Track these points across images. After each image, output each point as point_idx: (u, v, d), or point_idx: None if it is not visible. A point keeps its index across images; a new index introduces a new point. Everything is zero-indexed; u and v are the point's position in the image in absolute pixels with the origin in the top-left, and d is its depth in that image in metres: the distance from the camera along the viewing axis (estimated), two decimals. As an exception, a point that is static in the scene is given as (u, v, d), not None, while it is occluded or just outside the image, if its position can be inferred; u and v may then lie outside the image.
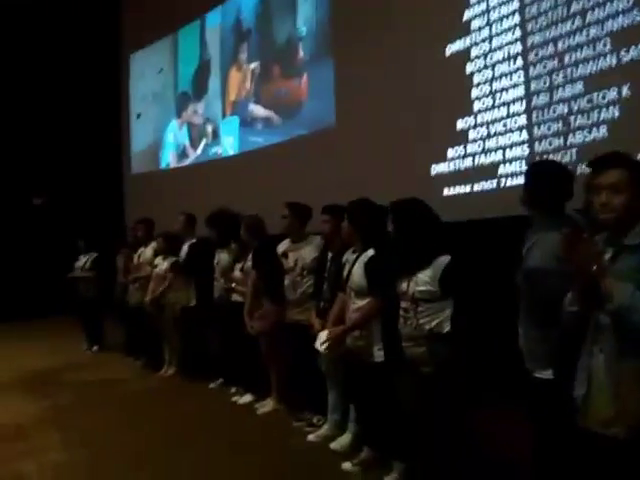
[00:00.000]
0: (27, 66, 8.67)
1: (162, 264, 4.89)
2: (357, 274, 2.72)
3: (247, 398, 3.99)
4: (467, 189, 4.06)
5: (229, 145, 7.12)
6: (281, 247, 3.61)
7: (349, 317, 2.78)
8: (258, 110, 6.63)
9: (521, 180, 2.44)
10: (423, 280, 2.31)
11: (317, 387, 3.28)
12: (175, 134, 8.33)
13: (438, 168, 4.29)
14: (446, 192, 4.20)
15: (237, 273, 3.99)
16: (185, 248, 4.84)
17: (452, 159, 4.18)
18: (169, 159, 8.45)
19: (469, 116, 4.05)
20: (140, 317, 5.23)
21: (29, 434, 3.52)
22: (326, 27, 5.62)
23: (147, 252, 5.39)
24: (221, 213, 4.27)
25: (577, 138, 3.38)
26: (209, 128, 7.53)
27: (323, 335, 2.81)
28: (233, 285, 4.03)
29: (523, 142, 3.71)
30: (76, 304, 6.37)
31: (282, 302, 3.55)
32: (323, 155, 5.54)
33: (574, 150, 3.40)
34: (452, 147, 4.17)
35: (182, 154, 8.13)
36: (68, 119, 9.01)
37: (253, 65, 6.74)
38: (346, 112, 5.29)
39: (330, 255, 3.26)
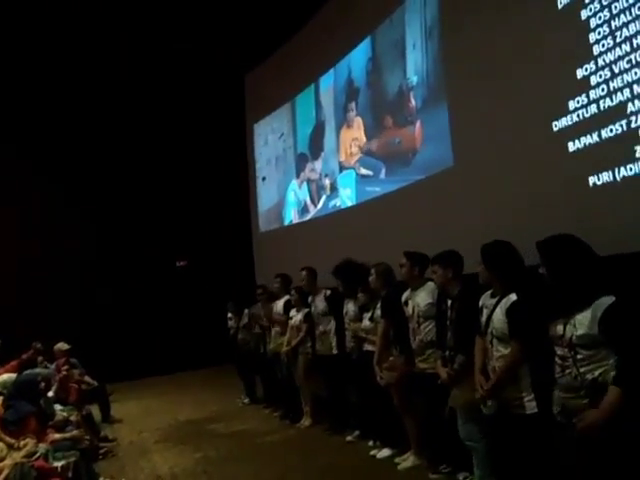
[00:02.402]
0: (169, 141, 9.83)
1: (296, 315, 5.07)
2: (498, 319, 2.59)
3: (386, 452, 3.89)
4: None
5: (347, 197, 7.34)
6: (403, 296, 3.59)
7: (492, 366, 2.63)
8: (372, 161, 6.80)
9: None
10: (582, 323, 2.07)
11: (456, 439, 3.10)
12: (296, 192, 8.82)
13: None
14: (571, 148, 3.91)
15: (366, 322, 4.00)
16: (318, 300, 4.95)
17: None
18: (292, 216, 8.92)
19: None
20: (275, 368, 5.43)
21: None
22: (437, 73, 5.68)
23: (279, 304, 5.64)
24: (347, 264, 4.35)
25: None
26: (327, 183, 7.86)
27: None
28: (363, 334, 4.04)
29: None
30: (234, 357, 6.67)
31: (410, 351, 3.49)
32: (442, 198, 5.48)
33: None
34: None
35: (303, 210, 8.54)
36: (203, 187, 10.03)
37: (365, 119, 6.98)
38: (464, 153, 5.23)
39: (450, 302, 3.16)
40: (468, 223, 4.97)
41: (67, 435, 3.90)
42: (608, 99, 3.70)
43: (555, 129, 4.09)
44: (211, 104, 9.91)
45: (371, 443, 4.12)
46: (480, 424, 2.84)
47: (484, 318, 2.70)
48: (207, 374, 8.46)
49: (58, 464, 3.45)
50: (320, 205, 8.05)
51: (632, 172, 3.50)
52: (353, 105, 7.26)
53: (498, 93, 4.74)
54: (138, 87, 9.36)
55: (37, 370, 4.44)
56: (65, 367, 5.34)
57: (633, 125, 3.50)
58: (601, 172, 3.72)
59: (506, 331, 2.54)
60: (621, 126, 3.58)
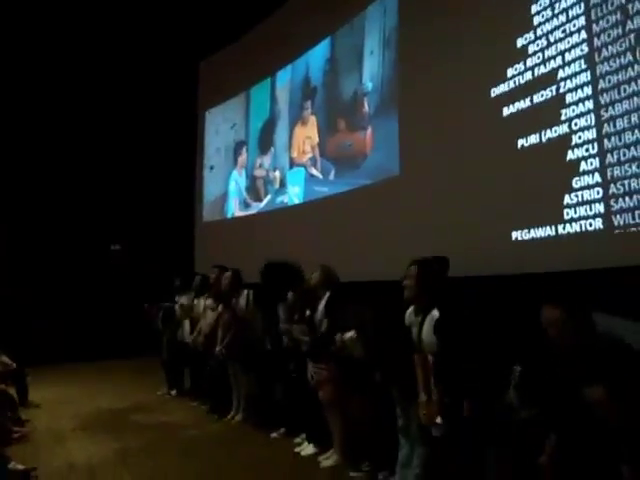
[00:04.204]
0: (111, 122, 9.48)
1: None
2: (427, 335, 2.69)
3: (310, 449, 3.92)
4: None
5: (294, 194, 7.35)
6: None
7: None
8: (323, 161, 6.85)
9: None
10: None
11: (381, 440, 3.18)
12: (237, 182, 8.74)
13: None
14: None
15: (295, 326, 4.02)
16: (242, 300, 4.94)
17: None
18: (233, 207, 8.83)
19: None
20: (204, 361, 5.36)
21: (98, 477, 3.63)
22: (391, 82, 5.81)
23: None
24: (270, 267, 4.35)
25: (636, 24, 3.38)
26: (276, 178, 7.84)
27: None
28: (299, 336, 4.04)
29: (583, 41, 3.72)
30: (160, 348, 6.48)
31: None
32: (387, 204, 5.61)
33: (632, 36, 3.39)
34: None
35: (245, 202, 8.48)
36: (147, 171, 9.71)
37: (319, 119, 7.03)
38: (410, 162, 5.38)
39: None
40: (409, 232, 5.12)
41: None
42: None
43: (518, 147, 4.27)
44: (163, 88, 9.61)
45: (298, 440, 4.14)
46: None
47: (414, 336, 2.77)
48: (134, 364, 8.19)
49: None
50: (266, 200, 8.02)
51: (556, 134, 3.83)
52: (309, 104, 7.28)
53: (447, 107, 4.92)
54: (89, 67, 8.96)
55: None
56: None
57: (562, 90, 3.83)
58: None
59: (435, 347, 2.63)
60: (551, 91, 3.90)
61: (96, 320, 8.74)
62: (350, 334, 3.29)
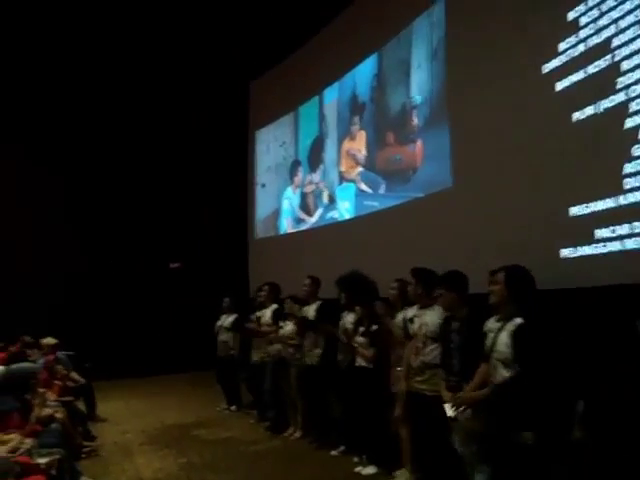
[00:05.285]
0: (171, 144, 9.84)
1: (287, 325, 5.08)
2: (502, 343, 2.59)
3: (371, 470, 3.88)
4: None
5: (345, 209, 7.39)
6: (410, 312, 3.59)
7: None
8: (372, 176, 6.87)
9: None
10: None
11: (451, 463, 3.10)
12: (290, 200, 8.88)
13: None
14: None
15: (359, 338, 4.01)
16: (312, 310, 4.96)
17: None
18: (286, 225, 8.96)
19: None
20: (263, 377, 5.44)
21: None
22: (440, 94, 5.77)
23: (267, 314, 5.59)
24: (353, 275, 4.34)
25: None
26: (325, 194, 7.92)
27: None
28: (358, 348, 4.04)
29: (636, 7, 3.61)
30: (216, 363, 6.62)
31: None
32: (440, 217, 5.55)
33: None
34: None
35: (298, 219, 8.59)
36: (203, 191, 10.03)
37: (367, 134, 7.06)
38: (463, 174, 5.30)
39: (457, 325, 3.11)
40: (465, 243, 5.03)
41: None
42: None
43: (562, 151, 4.16)
44: (215, 109, 9.97)
45: (356, 459, 4.10)
46: (481, 449, 2.81)
47: (489, 342, 2.70)
48: (194, 378, 8.43)
49: (42, 461, 3.42)
50: (317, 216, 8.10)
51: (613, 103, 3.73)
52: (357, 119, 7.34)
53: (500, 117, 4.83)
54: (143, 89, 9.38)
55: (28, 364, 4.41)
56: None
57: (616, 59, 3.72)
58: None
59: (510, 355, 2.55)
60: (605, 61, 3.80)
61: (156, 336, 9.04)
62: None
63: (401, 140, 6.41)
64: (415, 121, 6.18)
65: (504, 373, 2.57)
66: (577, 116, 4.05)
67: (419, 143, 6.07)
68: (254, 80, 10.19)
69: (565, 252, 4.05)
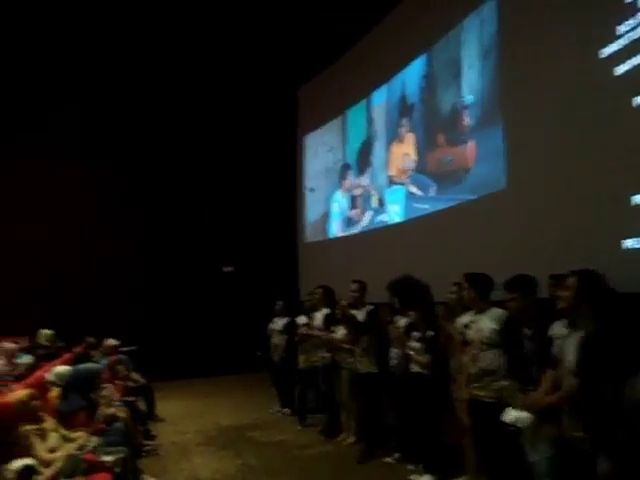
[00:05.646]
0: (222, 151, 10.07)
1: (339, 329, 5.07)
2: (571, 351, 2.50)
3: (427, 479, 3.81)
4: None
5: (395, 213, 7.33)
6: (466, 318, 3.51)
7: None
8: (423, 178, 6.78)
9: None
10: None
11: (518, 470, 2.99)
12: (339, 204, 8.89)
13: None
14: None
15: (414, 343, 3.95)
16: (360, 315, 4.94)
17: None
18: (335, 228, 8.98)
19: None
20: (315, 381, 5.46)
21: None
22: (493, 94, 5.63)
23: (318, 317, 5.58)
24: (405, 279, 4.29)
25: None
26: (374, 197, 7.88)
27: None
28: (411, 353, 3.99)
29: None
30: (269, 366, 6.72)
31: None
32: (494, 219, 5.41)
33: None
34: None
35: (347, 223, 8.59)
36: (253, 196, 10.21)
37: (417, 136, 6.98)
38: (518, 175, 5.15)
39: (529, 331, 2.95)
40: (522, 244, 4.89)
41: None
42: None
43: (623, 137, 3.98)
44: (265, 115, 10.14)
45: (411, 467, 4.04)
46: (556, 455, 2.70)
47: (557, 349, 2.61)
48: (247, 379, 8.58)
49: (107, 459, 3.56)
50: (366, 220, 8.07)
51: None
52: (405, 121, 7.27)
53: (556, 109, 4.66)
54: (195, 96, 9.66)
55: (93, 365, 4.61)
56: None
57: None
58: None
59: (574, 365, 2.45)
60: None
61: (210, 338, 9.26)
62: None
63: (452, 141, 6.30)
64: (467, 121, 6.06)
65: (573, 381, 2.47)
66: (638, 101, 3.86)
67: (471, 144, 5.95)
68: (302, 86, 10.30)
69: (628, 243, 3.86)
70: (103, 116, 9.12)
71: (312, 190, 9.86)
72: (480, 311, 3.41)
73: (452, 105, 6.33)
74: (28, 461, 3.11)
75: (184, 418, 6.22)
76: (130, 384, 5.72)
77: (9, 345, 5.56)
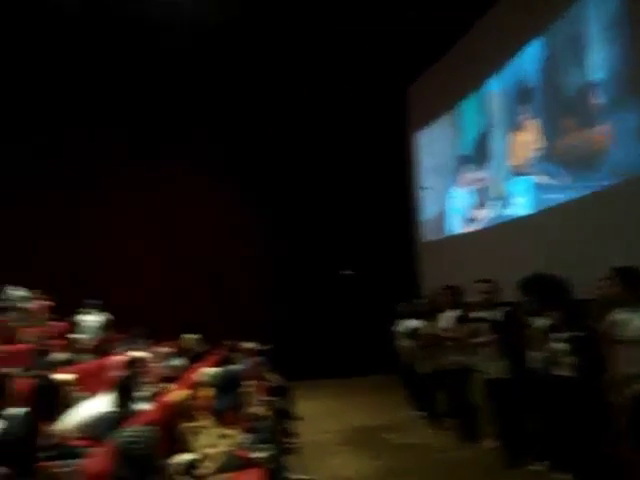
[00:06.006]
0: (334, 154, 10.23)
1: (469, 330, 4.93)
2: None
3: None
4: None
5: (521, 205, 6.95)
6: (618, 315, 3.25)
7: None
8: (550, 166, 6.36)
9: None
10: None
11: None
12: (458, 199, 8.63)
13: None
14: None
15: (558, 345, 3.73)
16: (495, 314, 4.75)
17: None
18: (455, 225, 8.74)
19: None
20: (446, 384, 5.37)
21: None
22: (627, 68, 5.13)
23: (446, 318, 5.44)
24: (539, 277, 4.07)
25: None
26: (495, 191, 7.55)
27: None
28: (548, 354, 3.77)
29: None
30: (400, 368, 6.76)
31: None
32: (635, 205, 4.92)
33: None
34: None
35: (468, 219, 8.31)
36: (367, 198, 10.28)
37: (540, 122, 6.57)
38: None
39: None
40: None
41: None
42: None
43: None
44: (372, 117, 10.18)
45: (561, 476, 3.80)
46: None
47: None
48: (376, 381, 8.66)
49: (259, 455, 3.82)
50: (487, 214, 7.76)
51: None
52: (525, 108, 6.89)
53: None
54: (306, 102, 9.92)
55: (237, 366, 4.99)
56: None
57: None
58: None
59: None
60: None
61: (338, 339, 9.50)
62: None
63: (582, 124, 5.84)
64: (598, 102, 5.58)
65: None
66: None
67: (605, 126, 5.47)
68: (412, 83, 10.18)
69: None
70: (237, 127, 9.90)
71: (427, 188, 9.70)
72: (631, 307, 3.15)
73: (578, 86, 5.87)
74: (191, 456, 3.45)
75: (322, 418, 6.43)
76: (270, 384, 6.06)
77: (163, 349, 6.22)
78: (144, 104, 9.47)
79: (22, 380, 3.35)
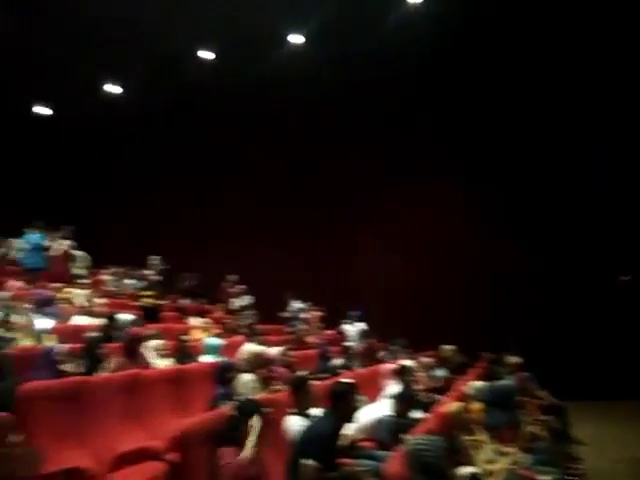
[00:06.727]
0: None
1: None
2: None
3: None
4: None
5: None
6: None
7: None
8: None
9: None
10: None
11: None
12: None
13: None
14: None
15: None
16: None
17: None
18: None
19: None
20: None
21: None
22: None
23: None
24: None
25: None
26: None
27: None
28: None
29: None
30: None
31: None
32: None
33: None
34: None
35: None
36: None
37: None
38: None
39: None
40: None
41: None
42: None
43: None
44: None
45: None
46: None
47: None
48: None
49: (544, 478, 3.57)
50: None
51: None
52: None
53: None
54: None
55: (508, 382, 4.77)
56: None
57: None
58: None
59: None
60: None
61: (614, 355, 8.37)
62: None
63: None
64: None
65: None
66: None
67: None
68: None
69: None
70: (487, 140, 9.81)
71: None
72: None
73: None
74: (474, 469, 3.42)
75: (603, 443, 5.69)
76: (541, 402, 5.63)
77: (426, 360, 6.34)
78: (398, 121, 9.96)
79: (315, 382, 3.84)
